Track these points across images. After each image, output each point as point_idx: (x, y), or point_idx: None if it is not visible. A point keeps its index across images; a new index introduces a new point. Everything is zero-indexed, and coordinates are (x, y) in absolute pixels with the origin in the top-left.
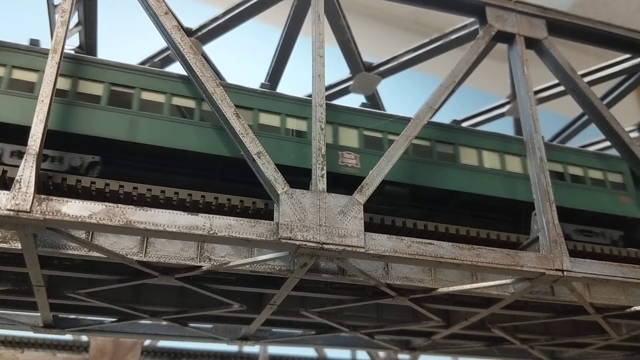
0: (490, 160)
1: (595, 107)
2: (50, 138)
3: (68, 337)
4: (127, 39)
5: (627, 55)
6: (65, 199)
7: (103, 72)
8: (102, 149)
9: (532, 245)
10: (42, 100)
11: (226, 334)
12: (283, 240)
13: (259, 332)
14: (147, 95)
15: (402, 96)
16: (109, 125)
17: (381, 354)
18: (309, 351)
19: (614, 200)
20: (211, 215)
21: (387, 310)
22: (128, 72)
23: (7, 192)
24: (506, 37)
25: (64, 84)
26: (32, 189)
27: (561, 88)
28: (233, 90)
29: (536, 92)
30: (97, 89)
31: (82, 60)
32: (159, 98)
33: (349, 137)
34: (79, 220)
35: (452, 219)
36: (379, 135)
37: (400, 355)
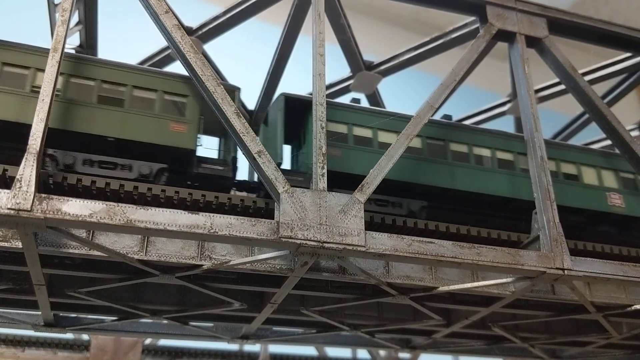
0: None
1: (596, 105)
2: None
3: (69, 335)
4: (127, 38)
5: (628, 54)
6: (66, 198)
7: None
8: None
9: (533, 244)
10: (43, 100)
11: (227, 333)
12: (284, 239)
13: (259, 330)
14: (477, 151)
15: (402, 95)
16: (433, 175)
17: (382, 352)
18: (310, 350)
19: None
20: (212, 214)
21: (388, 309)
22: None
23: (8, 191)
24: (507, 36)
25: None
26: (32, 188)
27: (562, 87)
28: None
29: (537, 91)
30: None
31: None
32: (484, 152)
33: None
34: (80, 219)
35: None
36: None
37: (400, 354)
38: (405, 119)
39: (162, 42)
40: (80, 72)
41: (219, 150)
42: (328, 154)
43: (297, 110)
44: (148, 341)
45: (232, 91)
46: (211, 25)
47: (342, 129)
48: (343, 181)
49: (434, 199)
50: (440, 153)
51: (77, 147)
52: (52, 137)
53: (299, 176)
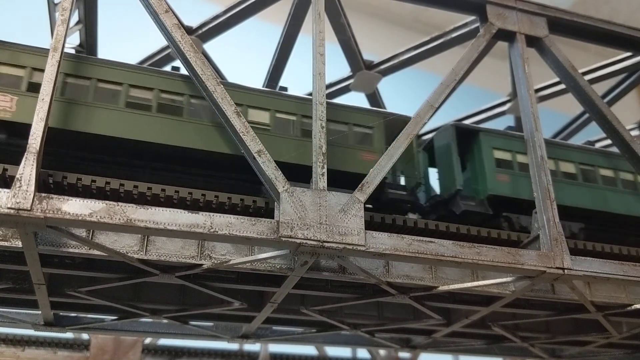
0: None
1: (596, 105)
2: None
3: (69, 335)
4: (127, 38)
5: (628, 54)
6: (66, 197)
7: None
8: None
9: (533, 243)
10: (43, 99)
11: (227, 332)
12: (284, 239)
13: (259, 330)
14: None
15: (402, 94)
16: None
17: (382, 352)
18: (310, 349)
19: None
20: (212, 214)
21: (388, 309)
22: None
23: (8, 190)
24: (507, 35)
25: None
26: (32, 187)
27: (562, 86)
28: None
29: (537, 90)
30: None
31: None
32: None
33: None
34: (80, 218)
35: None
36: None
37: (400, 354)
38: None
39: (162, 42)
40: (281, 107)
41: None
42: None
43: (464, 137)
44: (148, 340)
45: (405, 122)
46: (211, 25)
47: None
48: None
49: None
50: (591, 177)
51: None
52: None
53: (470, 201)
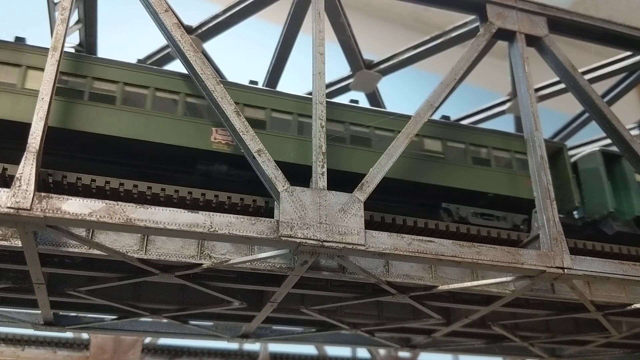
0: None
1: (596, 104)
2: None
3: (69, 334)
4: (127, 37)
5: (628, 53)
6: (66, 197)
7: None
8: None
9: (533, 243)
10: (42, 98)
11: (227, 332)
12: (283, 238)
13: (259, 329)
14: None
15: (402, 94)
16: None
17: (381, 351)
18: (310, 349)
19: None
20: (211, 213)
21: (388, 308)
22: None
23: (7, 189)
24: (507, 35)
25: None
26: (32, 187)
27: (562, 86)
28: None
29: (537, 90)
30: None
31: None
32: None
33: None
34: (80, 218)
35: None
36: None
37: (400, 353)
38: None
39: (162, 41)
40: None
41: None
42: None
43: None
44: (148, 340)
45: (560, 149)
46: (211, 24)
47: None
48: None
49: None
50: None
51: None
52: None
53: (619, 222)
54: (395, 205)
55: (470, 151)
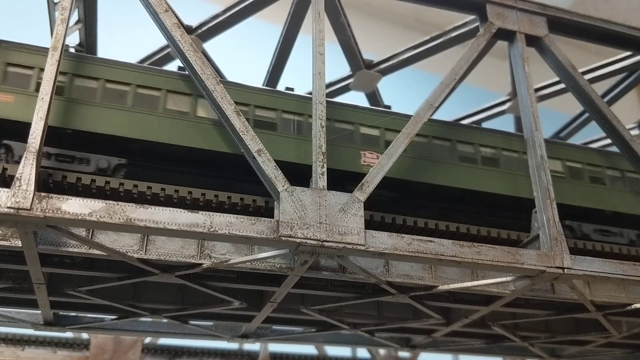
0: None
1: (596, 104)
2: None
3: (69, 334)
4: (127, 37)
5: (628, 53)
6: (66, 197)
7: None
8: None
9: (533, 242)
10: (42, 98)
11: (227, 332)
12: (283, 238)
13: (259, 329)
14: None
15: (402, 94)
16: None
17: (381, 351)
18: (310, 349)
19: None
20: (211, 213)
21: (388, 308)
22: None
23: (8, 189)
24: (507, 35)
25: None
26: (32, 187)
27: (562, 86)
28: None
29: (537, 90)
30: None
31: None
32: None
33: None
34: (79, 218)
35: None
36: None
37: (400, 353)
38: None
39: (162, 41)
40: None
41: None
42: None
43: None
44: (148, 340)
45: None
46: (211, 24)
47: None
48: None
49: None
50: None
51: None
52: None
53: None
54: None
55: (587, 170)
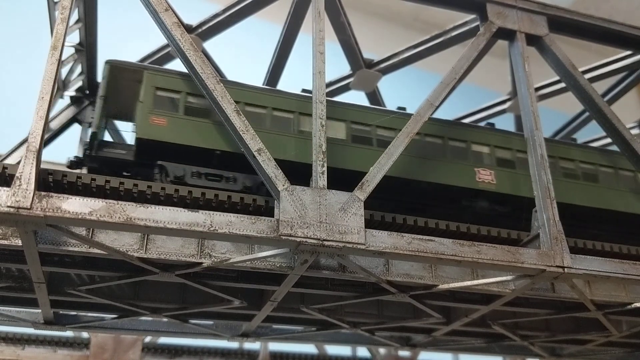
0: None
1: (596, 103)
2: None
3: (69, 333)
4: (127, 36)
5: (628, 52)
6: (66, 196)
7: None
8: None
9: (533, 242)
10: (42, 98)
11: (227, 331)
12: (284, 237)
13: (259, 328)
14: None
15: (402, 93)
16: None
17: (382, 350)
18: (310, 348)
19: None
20: (212, 212)
21: (388, 307)
22: None
23: (8, 188)
24: (507, 34)
25: None
26: (32, 186)
27: (562, 85)
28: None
29: (537, 89)
30: None
31: None
32: None
33: None
34: (80, 217)
35: None
36: None
37: (400, 352)
38: None
39: (162, 40)
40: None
41: None
42: None
43: None
44: (148, 339)
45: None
46: (211, 23)
47: None
48: None
49: None
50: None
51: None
52: None
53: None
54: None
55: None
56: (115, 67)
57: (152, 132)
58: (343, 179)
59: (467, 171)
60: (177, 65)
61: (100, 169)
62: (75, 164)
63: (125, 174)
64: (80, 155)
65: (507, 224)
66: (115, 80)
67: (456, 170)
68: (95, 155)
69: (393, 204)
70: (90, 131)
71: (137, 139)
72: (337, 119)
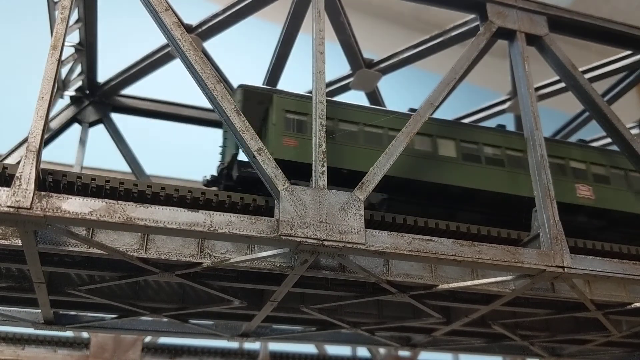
0: None
1: (596, 103)
2: None
3: (69, 333)
4: (127, 36)
5: (628, 52)
6: (66, 196)
7: None
8: None
9: (533, 242)
10: (42, 97)
11: (227, 331)
12: (283, 237)
13: (259, 328)
14: None
15: (402, 93)
16: None
17: (382, 350)
18: (310, 348)
19: None
20: (212, 212)
21: (388, 307)
22: None
23: (8, 188)
24: (507, 34)
25: None
26: (32, 186)
27: (562, 85)
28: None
29: (537, 89)
30: None
31: None
32: None
33: None
34: (80, 217)
35: None
36: None
37: (400, 352)
38: None
39: (162, 40)
40: None
41: None
42: None
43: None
44: (148, 339)
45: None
46: (211, 23)
47: None
48: None
49: None
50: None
51: None
52: None
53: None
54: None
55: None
56: (248, 91)
57: (285, 153)
58: (456, 193)
59: (569, 187)
60: (177, 65)
61: (235, 187)
62: (211, 182)
63: (257, 192)
64: (215, 173)
65: (604, 238)
66: (248, 103)
67: (560, 188)
68: (238, 175)
69: (504, 219)
70: (228, 151)
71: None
72: (448, 137)
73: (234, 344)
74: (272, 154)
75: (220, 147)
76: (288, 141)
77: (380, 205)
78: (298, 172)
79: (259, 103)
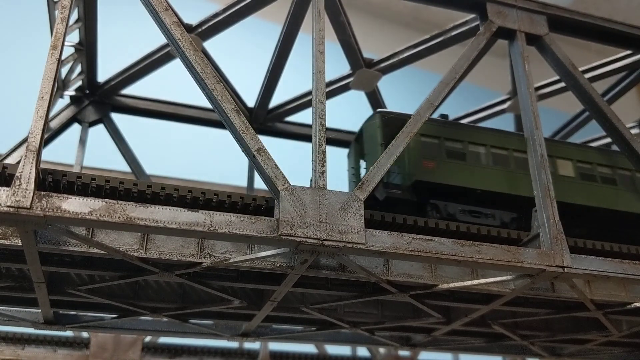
0: None
1: (596, 103)
2: None
3: (69, 333)
4: (126, 36)
5: (628, 52)
6: (66, 196)
7: None
8: None
9: (533, 241)
10: (42, 97)
11: (227, 331)
12: (283, 237)
13: (259, 328)
14: None
15: (402, 93)
16: None
17: (381, 350)
18: (310, 347)
19: None
20: (212, 212)
21: (388, 307)
22: None
23: (7, 188)
24: (507, 34)
25: None
26: (32, 186)
27: (562, 84)
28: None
29: (537, 89)
30: None
31: None
32: None
33: None
34: (79, 216)
35: None
36: None
37: (400, 352)
38: None
39: (162, 40)
40: None
41: None
42: None
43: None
44: (148, 339)
45: None
46: (211, 23)
47: None
48: None
49: None
50: None
51: None
52: None
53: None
54: None
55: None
56: (385, 117)
57: (425, 175)
58: (573, 212)
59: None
60: (177, 64)
61: (374, 206)
62: None
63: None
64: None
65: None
66: (387, 129)
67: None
68: (386, 197)
69: (603, 233)
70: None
71: (416, 181)
72: (565, 157)
73: (234, 344)
74: (416, 175)
75: (351, 168)
76: (427, 163)
77: (512, 223)
78: (439, 192)
79: (397, 127)
